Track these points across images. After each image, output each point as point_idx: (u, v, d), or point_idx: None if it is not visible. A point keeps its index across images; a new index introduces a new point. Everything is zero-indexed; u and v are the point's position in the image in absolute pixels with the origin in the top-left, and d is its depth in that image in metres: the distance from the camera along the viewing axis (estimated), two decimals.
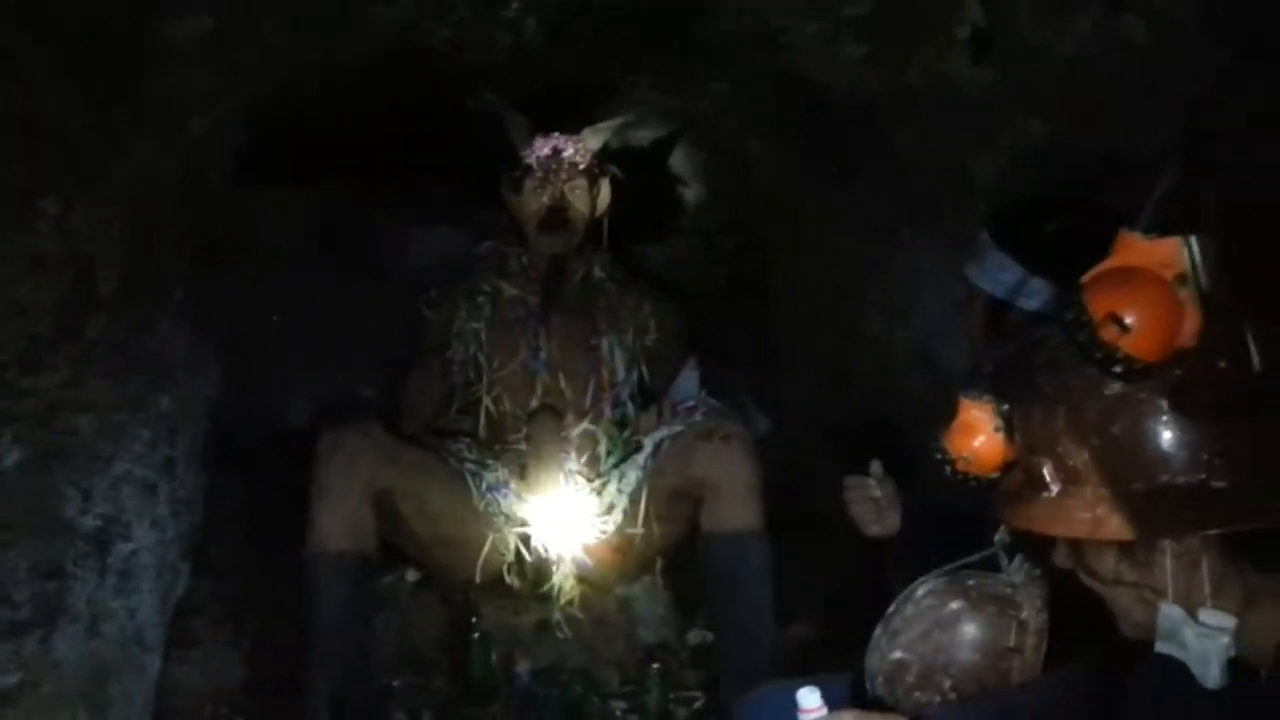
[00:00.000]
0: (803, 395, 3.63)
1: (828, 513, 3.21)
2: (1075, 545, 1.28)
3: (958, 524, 1.72)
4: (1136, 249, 1.26)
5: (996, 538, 1.65)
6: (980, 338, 1.85)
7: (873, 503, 1.98)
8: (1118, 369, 1.20)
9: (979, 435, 1.37)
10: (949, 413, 1.43)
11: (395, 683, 2.80)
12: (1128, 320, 1.19)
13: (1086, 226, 1.72)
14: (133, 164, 2.28)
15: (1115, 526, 1.21)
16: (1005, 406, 1.35)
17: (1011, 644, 1.55)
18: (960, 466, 1.41)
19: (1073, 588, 1.48)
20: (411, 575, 3.02)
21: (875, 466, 2.02)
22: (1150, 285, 1.21)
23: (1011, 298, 1.75)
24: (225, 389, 3.01)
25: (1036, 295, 1.72)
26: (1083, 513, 1.23)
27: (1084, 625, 1.47)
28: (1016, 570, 1.63)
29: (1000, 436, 1.35)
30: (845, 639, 2.77)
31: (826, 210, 3.32)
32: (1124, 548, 1.24)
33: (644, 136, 3.90)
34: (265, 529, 3.12)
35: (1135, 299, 1.20)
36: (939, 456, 1.44)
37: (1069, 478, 1.25)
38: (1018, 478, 1.33)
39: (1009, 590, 1.60)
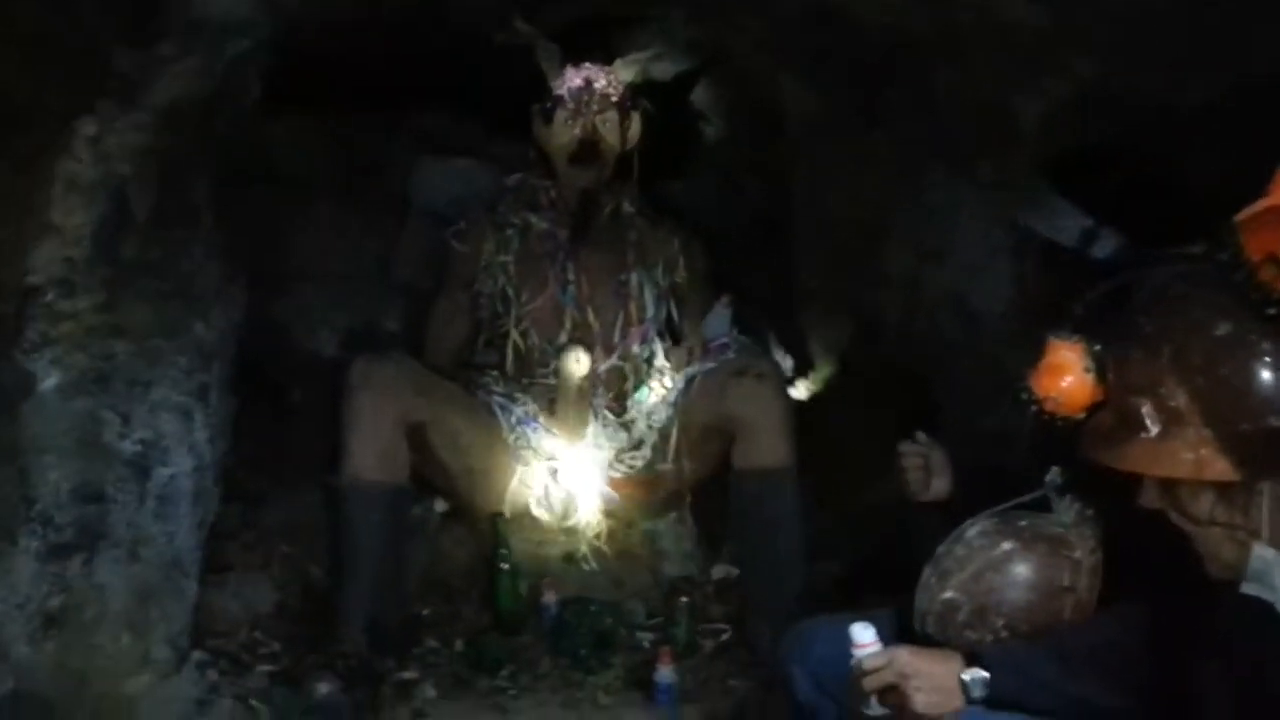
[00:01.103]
0: (827, 335, 3.62)
1: (852, 453, 3.26)
2: (1170, 486, 1.28)
3: (1006, 481, 1.72)
4: None
5: (1047, 478, 1.67)
6: (1038, 282, 1.83)
7: (926, 469, 1.95)
8: (1273, 310, 1.20)
9: (1068, 375, 1.38)
10: (1036, 355, 1.42)
11: (425, 611, 2.83)
12: None
13: (1150, 176, 1.73)
14: (168, 87, 2.24)
15: (1220, 468, 1.22)
16: (1097, 347, 1.35)
17: (1065, 583, 1.57)
18: (1048, 407, 1.41)
19: (1128, 528, 1.50)
20: (440, 506, 3.03)
21: (921, 435, 2.00)
22: None
23: (1079, 246, 1.73)
24: (251, 318, 2.99)
25: (1107, 245, 1.70)
26: (1186, 453, 1.23)
27: (1139, 565, 1.48)
28: (1067, 510, 1.64)
29: (1090, 377, 1.36)
30: (871, 576, 2.84)
31: (856, 150, 3.28)
32: (1222, 489, 1.25)
33: (667, 70, 3.85)
34: (292, 457, 3.14)
35: None
36: (1024, 397, 1.45)
37: (1171, 418, 1.25)
38: (1108, 419, 1.33)
39: (1061, 530, 1.62)
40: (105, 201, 2.19)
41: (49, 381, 2.16)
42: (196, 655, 2.41)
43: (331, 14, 2.80)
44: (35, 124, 2.12)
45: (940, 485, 1.92)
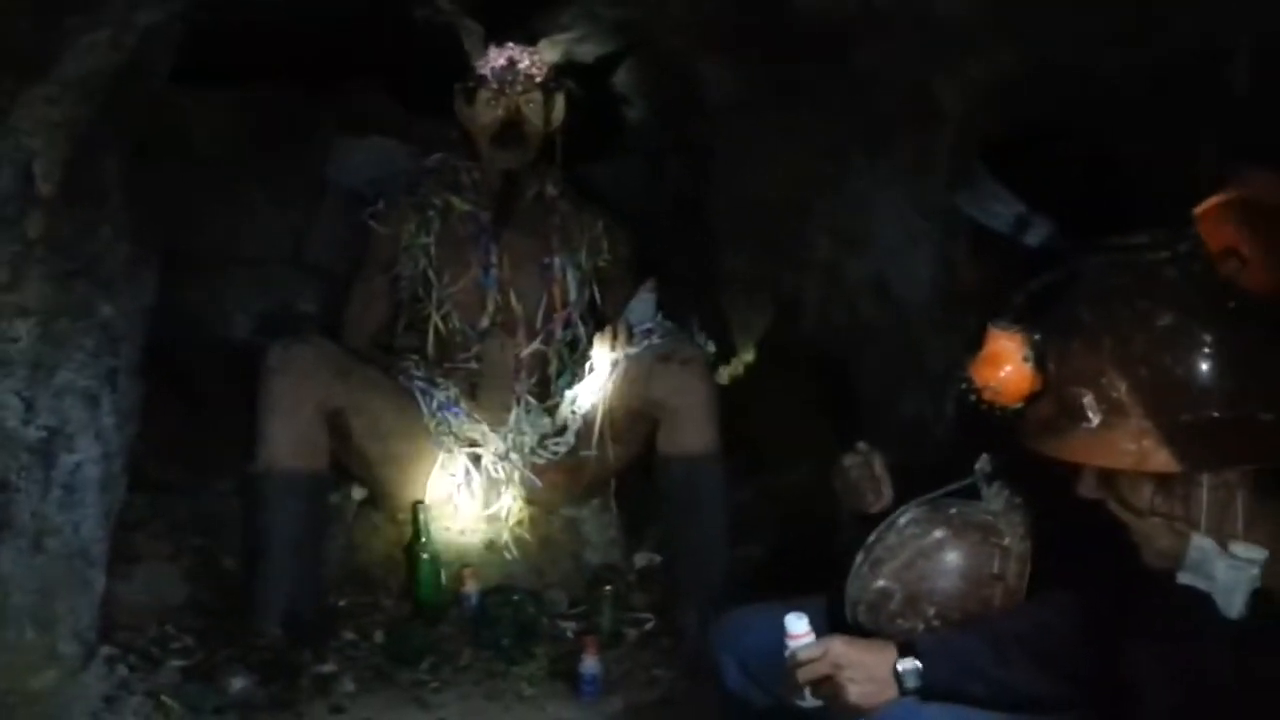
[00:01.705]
0: (748, 318, 3.63)
1: (772, 436, 3.27)
2: (1109, 476, 1.30)
3: (938, 480, 1.71)
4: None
5: (977, 466, 1.67)
6: (969, 269, 1.84)
7: (873, 481, 1.86)
8: (1233, 304, 1.21)
9: (1007, 365, 1.38)
10: (965, 342, 1.42)
11: (342, 602, 2.77)
12: (1246, 254, 1.19)
13: (1084, 159, 1.74)
14: (77, 60, 2.14)
15: (1162, 459, 1.23)
16: (1037, 337, 1.35)
17: (995, 571, 1.58)
18: (986, 396, 1.41)
19: (1059, 515, 1.51)
20: (358, 494, 2.97)
21: (861, 445, 1.91)
22: (1271, 221, 1.22)
23: (1011, 232, 1.73)
24: (161, 300, 2.90)
25: (1039, 231, 1.71)
26: (1128, 444, 1.24)
27: (1070, 553, 1.50)
28: (996, 498, 1.65)
29: (1029, 367, 1.36)
30: (793, 561, 2.85)
31: (777, 132, 3.28)
32: (1161, 479, 1.26)
33: (590, 51, 3.81)
34: (202, 445, 3.05)
35: (1256, 234, 1.20)
36: (963, 385, 1.45)
37: (1112, 409, 1.26)
38: (1048, 408, 1.34)
39: (990, 518, 1.63)
40: (9, 177, 2.10)
41: None
42: (105, 650, 2.34)
43: None
44: None
45: (888, 494, 1.85)
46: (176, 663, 2.45)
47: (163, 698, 2.33)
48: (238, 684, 2.37)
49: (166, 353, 2.93)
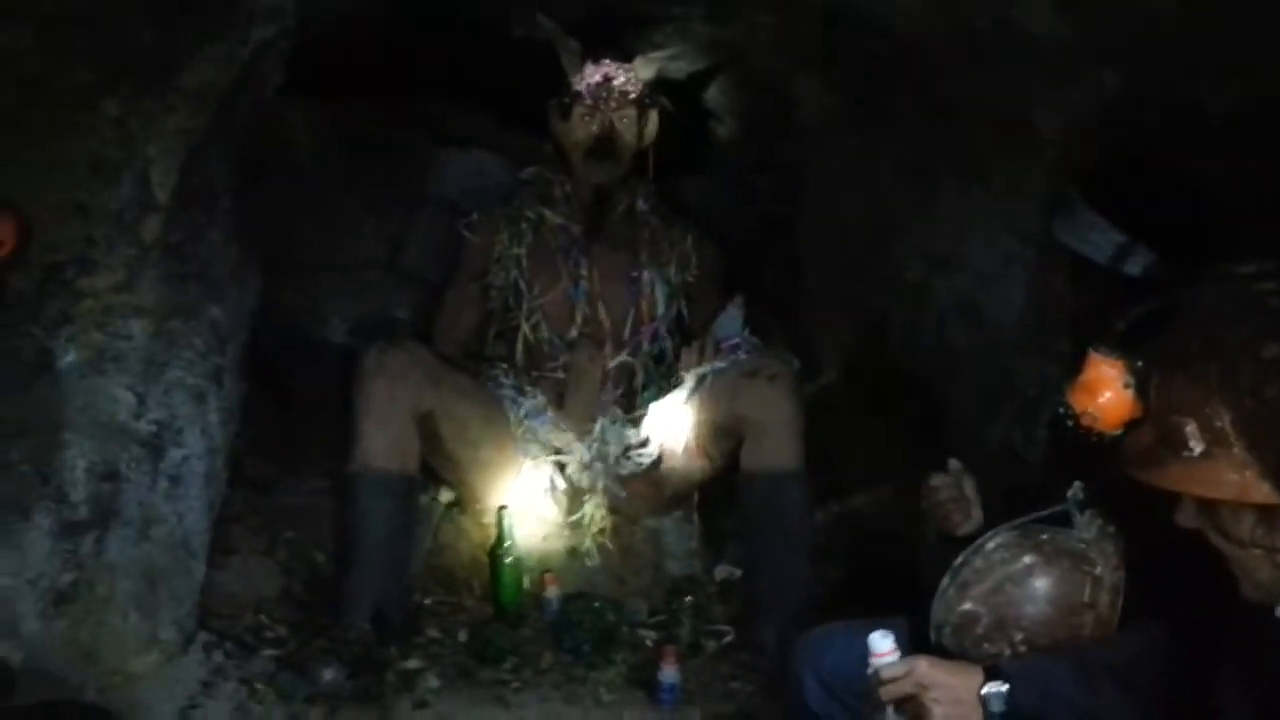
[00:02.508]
0: (832, 338, 3.63)
1: (854, 457, 3.27)
2: (1209, 506, 1.29)
3: (1018, 499, 1.72)
4: None
5: (1069, 493, 1.67)
6: (1065, 296, 1.83)
7: (961, 502, 1.86)
8: None
9: (1107, 391, 1.38)
10: (1063, 369, 1.43)
11: (427, 601, 2.82)
12: None
13: (1181, 189, 1.73)
14: (194, 71, 2.24)
15: (1265, 491, 1.22)
16: (1139, 364, 1.35)
17: (1085, 599, 1.58)
18: (1084, 422, 1.41)
19: (1154, 546, 1.51)
20: (445, 496, 3.03)
21: (954, 464, 1.91)
22: None
23: (1109, 262, 1.73)
24: (261, 303, 2.99)
25: (1140, 261, 1.70)
26: (1230, 475, 1.24)
27: (1164, 583, 1.49)
28: (1088, 526, 1.65)
29: (1130, 394, 1.36)
30: (873, 582, 2.85)
31: (868, 153, 3.29)
32: (1263, 511, 1.25)
33: (682, 69, 3.85)
34: (297, 443, 3.14)
35: None
36: (1061, 410, 1.45)
37: (1215, 439, 1.25)
38: (1148, 437, 1.33)
39: (1082, 545, 1.62)
40: (128, 183, 2.19)
41: (67, 359, 2.17)
42: (202, 637, 2.42)
43: (355, 6, 2.79)
44: (60, 102, 2.12)
45: (978, 516, 1.84)
46: (269, 652, 2.51)
47: (256, 685, 2.39)
48: (327, 675, 2.43)
49: (265, 354, 3.03)
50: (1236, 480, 1.23)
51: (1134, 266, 1.71)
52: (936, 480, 1.88)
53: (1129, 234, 1.71)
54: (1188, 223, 1.70)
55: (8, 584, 2.08)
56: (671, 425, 2.92)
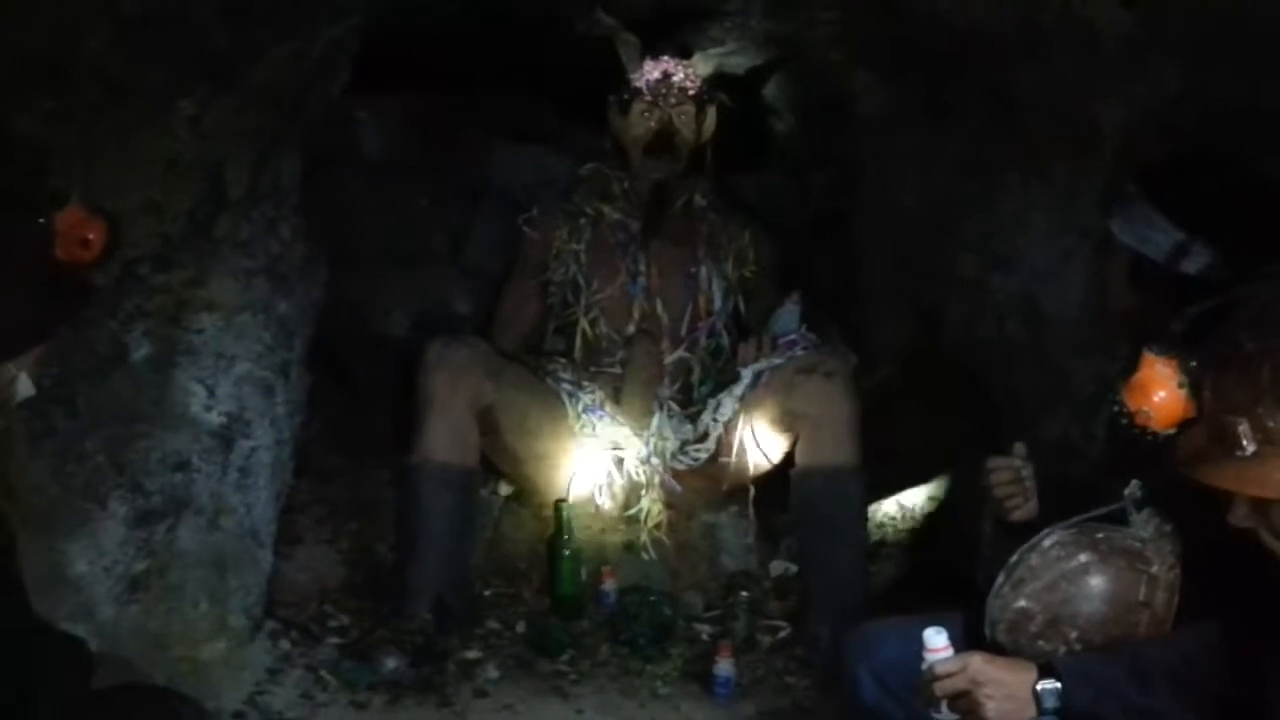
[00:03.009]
0: (890, 335, 3.62)
1: (909, 453, 3.26)
2: (1261, 505, 1.29)
3: (1073, 494, 1.71)
4: None
5: (1126, 491, 1.66)
6: (1124, 293, 1.81)
7: (1020, 485, 1.84)
8: None
9: (1161, 390, 1.38)
10: (1118, 366, 1.43)
11: (487, 592, 2.87)
12: None
13: (1243, 187, 1.71)
14: (267, 70, 2.29)
15: None
16: (1193, 363, 1.35)
17: (1141, 598, 1.57)
18: (1139, 420, 1.41)
19: (1210, 545, 1.50)
20: (504, 489, 3.08)
21: (1019, 448, 1.89)
22: None
23: (1167, 260, 1.70)
24: (327, 296, 3.05)
25: (1199, 259, 1.68)
26: None
27: (1220, 583, 1.48)
28: (1145, 524, 1.64)
29: (1184, 393, 1.35)
30: (928, 578, 2.84)
31: (927, 147, 3.27)
32: None
33: (739, 64, 3.85)
34: (359, 434, 3.20)
35: None
36: (1115, 409, 1.45)
37: (1267, 438, 1.25)
38: (1201, 436, 1.33)
39: (1138, 544, 1.61)
40: (201, 179, 2.25)
41: (140, 352, 2.23)
42: (269, 625, 2.49)
43: (420, 3, 2.84)
44: (137, 101, 2.18)
45: (1033, 506, 1.83)
46: (334, 640, 2.58)
47: (321, 672, 2.46)
48: (390, 664, 2.49)
49: (329, 346, 3.09)
50: None
51: (1192, 265, 1.68)
52: (997, 461, 1.87)
53: (1188, 232, 1.69)
54: (1250, 221, 1.68)
55: (84, 571, 2.15)
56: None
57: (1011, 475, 1.85)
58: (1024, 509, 1.84)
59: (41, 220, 1.47)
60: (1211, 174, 1.76)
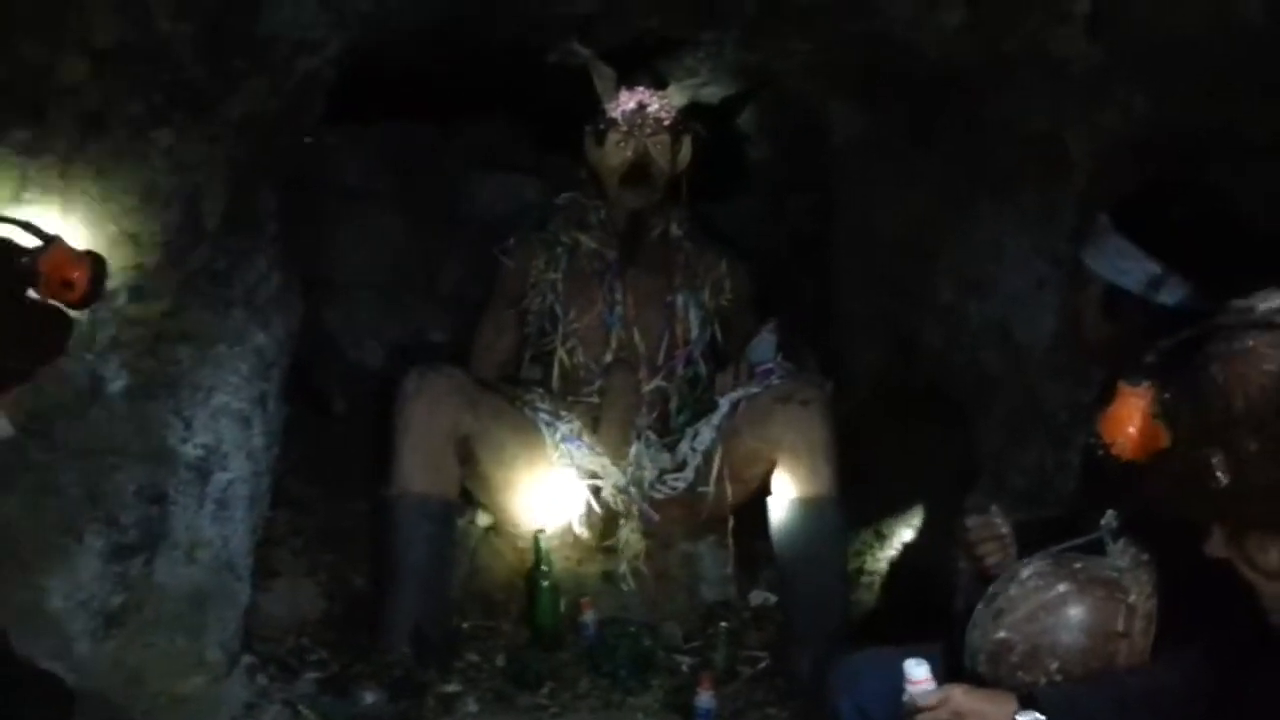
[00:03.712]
0: (866, 361, 3.64)
1: (888, 479, 3.27)
2: (1237, 536, 1.30)
3: (1061, 534, 1.72)
4: None
5: (1103, 521, 1.68)
6: (1098, 324, 1.83)
7: (999, 543, 1.87)
8: None
9: (1135, 422, 1.38)
10: (1105, 398, 1.44)
11: (465, 624, 2.86)
12: None
13: (1216, 216, 1.73)
14: (242, 101, 2.30)
15: None
16: (1167, 395, 1.36)
17: (1120, 628, 1.58)
18: (1113, 451, 1.42)
19: (1186, 575, 1.51)
20: (483, 520, 3.07)
21: (994, 509, 1.92)
22: None
23: (1144, 292, 1.72)
24: (302, 325, 3.04)
25: (1175, 291, 1.70)
26: (1256, 504, 1.24)
27: (1196, 613, 1.50)
28: (1122, 554, 1.65)
29: (1158, 424, 1.36)
30: (907, 608, 2.85)
31: (902, 174, 3.30)
32: None
33: (714, 93, 3.88)
34: (335, 465, 3.18)
35: None
36: (1091, 440, 1.46)
37: (1240, 469, 1.25)
38: (1175, 466, 1.34)
39: (1116, 574, 1.63)
40: (178, 210, 2.25)
41: (117, 384, 2.22)
42: (246, 659, 2.46)
43: (396, 33, 2.84)
44: (113, 132, 2.18)
45: (1011, 554, 1.84)
46: (312, 674, 2.56)
47: (299, 707, 2.43)
48: (369, 698, 2.47)
49: (305, 376, 3.08)
50: (1263, 510, 1.24)
51: (1168, 296, 1.70)
52: (975, 522, 1.89)
53: (1163, 262, 1.71)
54: (1224, 251, 1.70)
55: (61, 606, 2.13)
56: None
57: (990, 534, 1.87)
58: (1003, 563, 1.85)
59: (25, 259, 1.46)
60: (1184, 203, 1.78)
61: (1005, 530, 1.87)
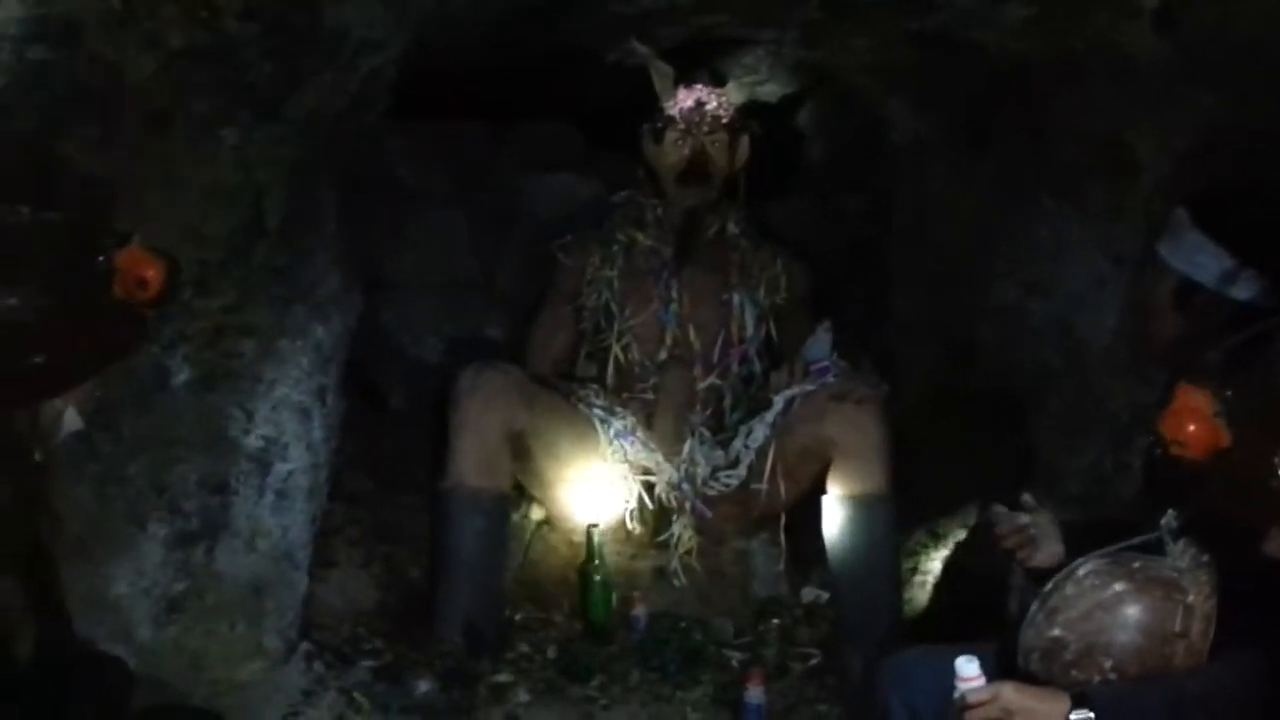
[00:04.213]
0: (922, 361, 3.62)
1: (941, 480, 3.25)
2: None
3: (1118, 536, 1.70)
4: None
5: (1163, 521, 1.66)
6: (1169, 319, 1.81)
7: (1023, 534, 1.87)
8: None
9: (1196, 421, 1.37)
10: (1168, 397, 1.42)
11: (518, 616, 2.88)
12: None
13: None
14: (307, 98, 2.33)
15: None
16: (1229, 394, 1.34)
17: (1177, 628, 1.56)
18: (1173, 451, 1.40)
19: (1246, 575, 1.49)
20: (536, 514, 3.09)
21: (1026, 499, 1.93)
22: None
23: (1217, 285, 1.70)
24: (361, 321, 3.08)
25: (1248, 286, 1.68)
26: None
27: (1256, 614, 1.47)
28: (1181, 554, 1.63)
29: (1220, 423, 1.35)
30: (960, 606, 2.83)
31: (961, 175, 3.29)
32: None
33: (772, 91, 3.88)
34: (392, 459, 3.22)
35: None
36: (1151, 439, 1.44)
37: None
38: (1236, 466, 1.32)
39: (1175, 574, 1.61)
40: (242, 207, 2.28)
41: (181, 377, 2.26)
42: (304, 647, 2.50)
43: (457, 32, 2.88)
44: (180, 131, 2.22)
45: (1054, 549, 1.84)
46: (367, 663, 2.59)
47: (355, 695, 2.47)
48: (422, 687, 2.50)
49: (363, 371, 3.12)
50: None
51: (1242, 291, 1.68)
52: (998, 515, 1.90)
53: (1238, 259, 1.69)
54: None
55: (124, 592, 2.18)
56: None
57: (1012, 528, 1.87)
58: (1041, 555, 1.85)
59: (102, 258, 1.49)
60: (1260, 202, 1.76)
61: (1041, 519, 1.86)
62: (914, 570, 3.02)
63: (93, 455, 2.14)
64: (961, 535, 3.13)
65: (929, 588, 2.99)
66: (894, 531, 2.86)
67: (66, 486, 2.07)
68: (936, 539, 3.13)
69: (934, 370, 3.52)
